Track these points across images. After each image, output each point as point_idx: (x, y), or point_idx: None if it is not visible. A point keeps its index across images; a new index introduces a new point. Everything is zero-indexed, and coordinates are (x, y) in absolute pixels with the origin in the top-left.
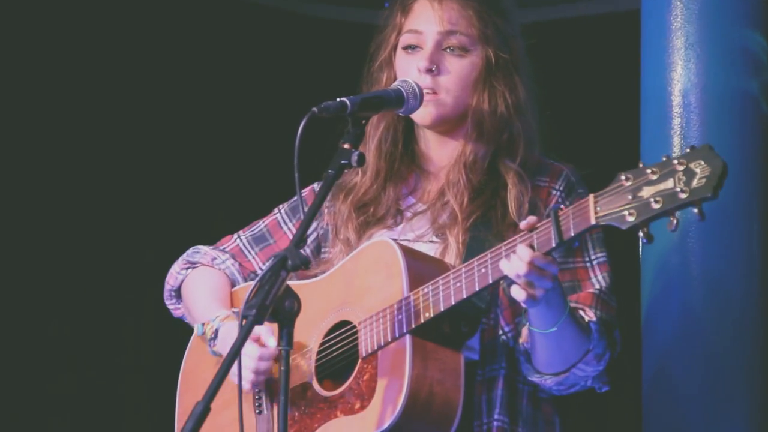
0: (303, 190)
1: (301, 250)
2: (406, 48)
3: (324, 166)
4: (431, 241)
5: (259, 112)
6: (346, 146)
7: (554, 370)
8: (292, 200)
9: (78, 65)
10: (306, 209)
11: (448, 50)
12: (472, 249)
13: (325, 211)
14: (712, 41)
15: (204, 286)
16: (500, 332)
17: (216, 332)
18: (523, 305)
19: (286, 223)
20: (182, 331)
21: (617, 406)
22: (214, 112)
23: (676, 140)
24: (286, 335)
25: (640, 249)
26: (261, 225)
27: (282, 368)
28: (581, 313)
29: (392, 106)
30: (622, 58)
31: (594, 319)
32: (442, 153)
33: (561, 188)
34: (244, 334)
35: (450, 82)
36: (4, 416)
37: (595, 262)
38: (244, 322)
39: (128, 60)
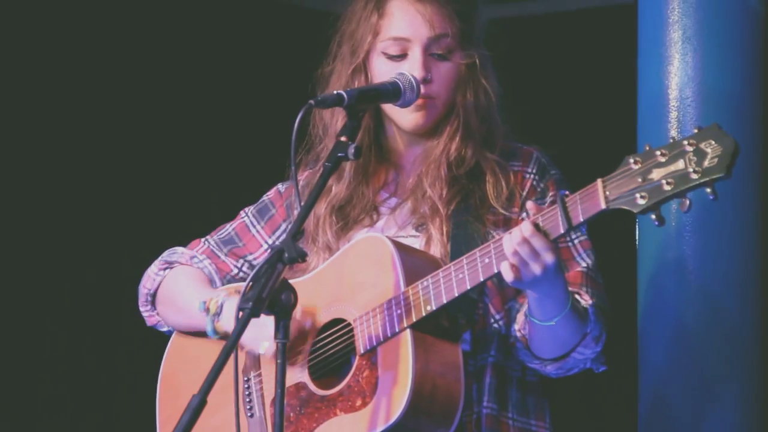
0: (269, 192)
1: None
2: (390, 56)
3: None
4: (412, 235)
5: (254, 105)
6: (343, 139)
7: (553, 356)
8: (258, 203)
9: (65, 61)
10: (299, 203)
11: (435, 55)
12: (457, 237)
13: (294, 212)
14: (709, 34)
15: (189, 279)
16: (491, 320)
17: (221, 307)
18: (510, 285)
19: (254, 226)
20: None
21: (608, 386)
22: (206, 107)
23: (673, 134)
24: (282, 327)
25: (637, 251)
26: (228, 228)
27: (279, 361)
28: (577, 297)
29: (389, 99)
30: (618, 52)
31: (591, 302)
32: (416, 147)
33: (534, 171)
34: (241, 327)
35: (441, 87)
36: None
37: (576, 241)
38: (241, 314)
39: (116, 56)
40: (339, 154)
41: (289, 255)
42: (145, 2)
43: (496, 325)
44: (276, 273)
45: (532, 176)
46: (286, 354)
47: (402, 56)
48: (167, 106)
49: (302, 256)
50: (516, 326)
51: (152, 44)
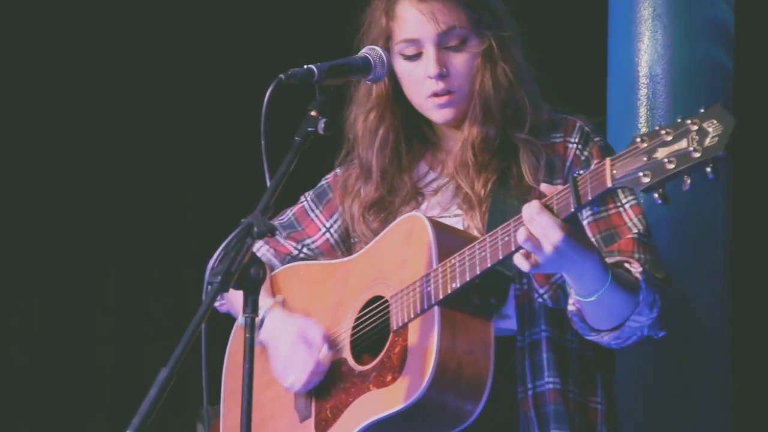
0: (327, 176)
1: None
2: (407, 57)
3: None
4: (456, 215)
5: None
6: (313, 113)
7: (609, 326)
8: (317, 187)
9: (65, 61)
10: (271, 178)
11: (450, 48)
12: (494, 217)
13: (340, 208)
14: (678, 12)
15: None
16: (535, 295)
17: (261, 321)
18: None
19: (313, 210)
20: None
21: None
22: (197, 97)
23: (643, 111)
24: (251, 303)
25: None
26: (289, 213)
27: (247, 335)
28: (627, 266)
29: (359, 74)
30: (588, 28)
31: (640, 269)
32: (453, 130)
33: (576, 140)
34: (209, 302)
35: (460, 79)
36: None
37: (627, 206)
38: (209, 288)
39: (121, 57)
40: (309, 129)
41: (258, 229)
42: (147, 3)
43: (540, 300)
44: (245, 247)
45: (574, 146)
46: (255, 329)
47: (418, 55)
48: (169, 105)
49: (271, 231)
50: (570, 300)
51: (164, 44)
